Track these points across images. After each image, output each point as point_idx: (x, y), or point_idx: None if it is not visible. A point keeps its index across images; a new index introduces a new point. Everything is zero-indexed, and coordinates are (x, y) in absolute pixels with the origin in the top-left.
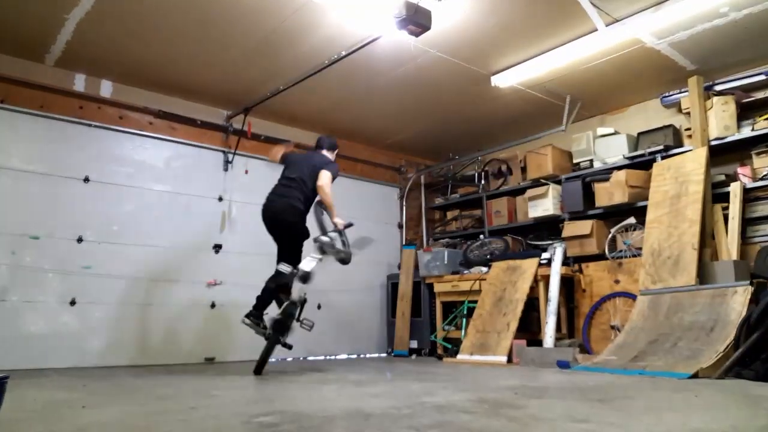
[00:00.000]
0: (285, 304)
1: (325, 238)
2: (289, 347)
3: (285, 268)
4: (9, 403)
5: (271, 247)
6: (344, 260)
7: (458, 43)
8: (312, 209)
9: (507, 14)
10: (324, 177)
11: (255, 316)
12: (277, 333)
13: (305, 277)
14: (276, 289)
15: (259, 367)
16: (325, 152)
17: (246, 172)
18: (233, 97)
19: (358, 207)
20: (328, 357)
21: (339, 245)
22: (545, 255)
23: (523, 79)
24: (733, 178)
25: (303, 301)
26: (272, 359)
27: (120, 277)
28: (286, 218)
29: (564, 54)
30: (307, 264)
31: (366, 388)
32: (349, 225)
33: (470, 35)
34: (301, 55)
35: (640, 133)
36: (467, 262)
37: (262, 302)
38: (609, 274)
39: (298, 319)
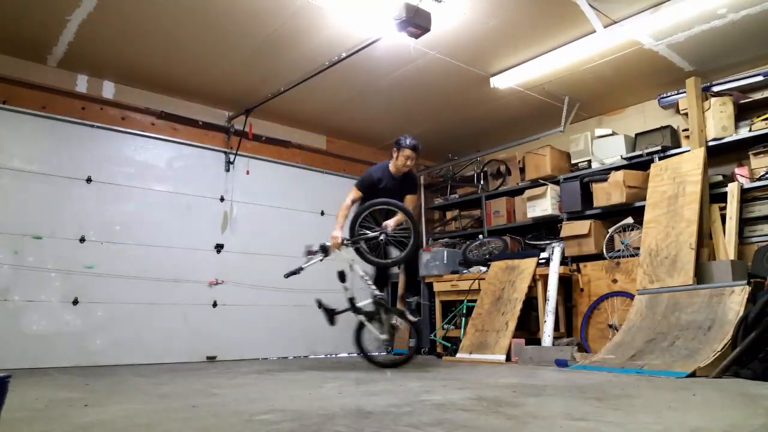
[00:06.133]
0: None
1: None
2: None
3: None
4: (11, 402)
5: (272, 247)
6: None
7: (457, 45)
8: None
9: (506, 16)
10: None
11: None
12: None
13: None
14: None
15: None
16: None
17: (247, 172)
18: (234, 98)
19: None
20: (328, 355)
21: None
22: (544, 255)
23: (521, 81)
24: (730, 178)
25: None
26: (273, 357)
27: (122, 277)
28: None
29: (562, 55)
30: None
31: (366, 387)
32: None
33: (469, 37)
34: (301, 57)
35: (637, 134)
36: (466, 261)
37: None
38: (607, 274)
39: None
